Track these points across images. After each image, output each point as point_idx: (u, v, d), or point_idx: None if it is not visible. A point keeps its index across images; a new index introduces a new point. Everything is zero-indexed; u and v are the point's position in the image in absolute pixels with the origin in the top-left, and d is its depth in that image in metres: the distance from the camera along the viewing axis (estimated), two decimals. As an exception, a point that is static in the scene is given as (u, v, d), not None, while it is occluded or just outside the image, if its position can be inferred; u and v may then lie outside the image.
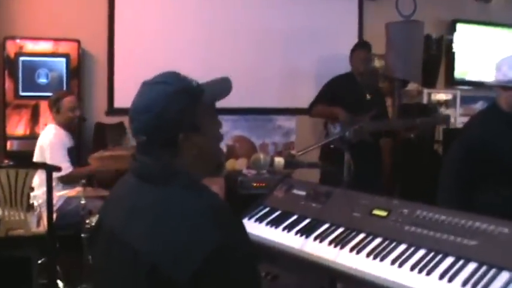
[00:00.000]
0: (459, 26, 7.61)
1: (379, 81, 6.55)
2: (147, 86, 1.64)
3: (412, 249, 1.96)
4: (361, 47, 5.57)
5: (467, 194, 2.95)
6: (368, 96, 5.35)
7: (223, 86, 1.75)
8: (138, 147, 1.63)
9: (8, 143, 5.56)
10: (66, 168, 4.42)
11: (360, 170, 3.16)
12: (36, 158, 4.57)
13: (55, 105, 4.67)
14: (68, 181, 4.44)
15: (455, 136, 3.30)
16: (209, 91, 1.67)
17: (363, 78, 5.40)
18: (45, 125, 4.96)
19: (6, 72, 5.58)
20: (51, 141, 4.53)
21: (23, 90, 5.59)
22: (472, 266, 1.80)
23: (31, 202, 4.39)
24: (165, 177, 1.56)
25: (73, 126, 4.83)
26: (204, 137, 1.62)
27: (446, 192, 3.06)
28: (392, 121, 5.16)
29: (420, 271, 1.84)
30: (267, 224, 2.40)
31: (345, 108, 5.10)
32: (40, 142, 4.61)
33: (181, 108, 1.57)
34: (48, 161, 4.39)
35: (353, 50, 5.55)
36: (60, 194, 4.19)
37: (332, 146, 4.53)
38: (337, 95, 5.34)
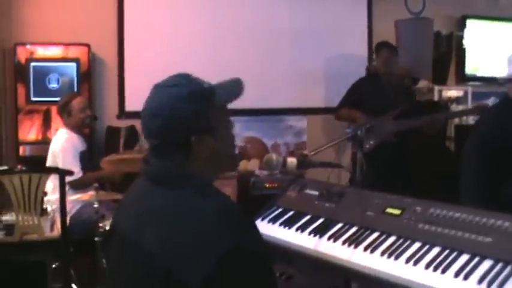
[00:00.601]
0: (469, 22, 7.57)
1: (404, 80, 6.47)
2: (158, 88, 1.63)
3: (427, 247, 1.95)
4: (382, 46, 5.44)
5: (491, 188, 2.92)
6: (392, 95, 5.24)
7: (235, 87, 1.74)
8: (151, 150, 1.63)
9: (21, 148, 5.60)
10: (76, 173, 4.43)
11: (384, 170, 3.13)
12: (49, 164, 4.58)
13: (65, 109, 4.66)
14: (77, 186, 4.43)
15: (467, 133, 3.27)
16: (221, 92, 1.65)
17: (386, 78, 5.31)
18: (57, 130, 4.96)
19: (17, 78, 5.61)
20: (63, 146, 4.53)
21: (35, 96, 5.62)
22: (487, 263, 1.79)
23: (44, 207, 4.40)
24: (177, 180, 1.56)
25: (86, 127, 4.83)
26: (217, 139, 1.61)
27: (470, 190, 3.03)
28: (417, 119, 5.01)
29: (435, 269, 1.83)
30: (280, 224, 2.39)
31: (370, 111, 5.05)
32: (52, 148, 4.61)
33: (193, 110, 1.56)
34: (60, 165, 4.40)
35: (376, 50, 5.47)
36: (73, 198, 4.19)
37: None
38: (361, 97, 5.27)
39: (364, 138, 4.58)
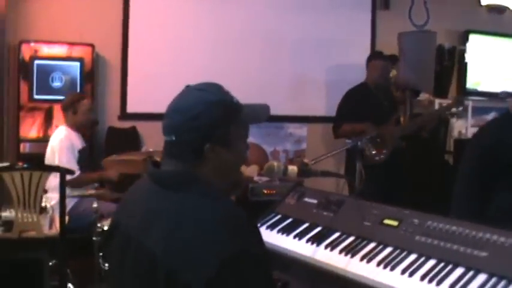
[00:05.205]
0: (472, 37, 7.61)
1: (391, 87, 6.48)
2: (190, 89, 1.68)
3: (423, 259, 1.96)
4: (377, 58, 5.44)
5: (482, 200, 2.94)
6: (385, 103, 5.25)
7: (260, 112, 1.82)
8: (165, 146, 1.66)
9: (21, 146, 5.61)
10: (74, 171, 4.44)
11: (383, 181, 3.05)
12: (47, 160, 4.61)
13: (71, 106, 4.69)
14: (75, 185, 4.45)
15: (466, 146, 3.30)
16: (247, 112, 1.70)
17: (377, 87, 5.32)
18: (57, 127, 4.99)
19: (21, 75, 5.63)
20: (61, 143, 4.55)
21: (37, 93, 5.64)
22: (482, 277, 1.81)
23: (44, 204, 4.42)
24: (183, 183, 1.58)
25: (86, 128, 4.85)
26: (230, 153, 1.63)
27: (461, 201, 3.05)
28: (408, 124, 4.99)
29: (430, 281, 1.85)
30: (279, 231, 2.41)
31: (366, 120, 4.99)
32: (51, 144, 4.64)
33: (215, 118, 1.59)
34: (56, 163, 4.42)
35: (368, 60, 5.47)
36: (73, 195, 4.19)
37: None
38: (355, 109, 5.20)
39: (371, 148, 4.56)
